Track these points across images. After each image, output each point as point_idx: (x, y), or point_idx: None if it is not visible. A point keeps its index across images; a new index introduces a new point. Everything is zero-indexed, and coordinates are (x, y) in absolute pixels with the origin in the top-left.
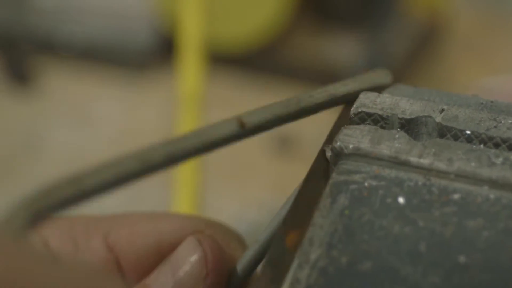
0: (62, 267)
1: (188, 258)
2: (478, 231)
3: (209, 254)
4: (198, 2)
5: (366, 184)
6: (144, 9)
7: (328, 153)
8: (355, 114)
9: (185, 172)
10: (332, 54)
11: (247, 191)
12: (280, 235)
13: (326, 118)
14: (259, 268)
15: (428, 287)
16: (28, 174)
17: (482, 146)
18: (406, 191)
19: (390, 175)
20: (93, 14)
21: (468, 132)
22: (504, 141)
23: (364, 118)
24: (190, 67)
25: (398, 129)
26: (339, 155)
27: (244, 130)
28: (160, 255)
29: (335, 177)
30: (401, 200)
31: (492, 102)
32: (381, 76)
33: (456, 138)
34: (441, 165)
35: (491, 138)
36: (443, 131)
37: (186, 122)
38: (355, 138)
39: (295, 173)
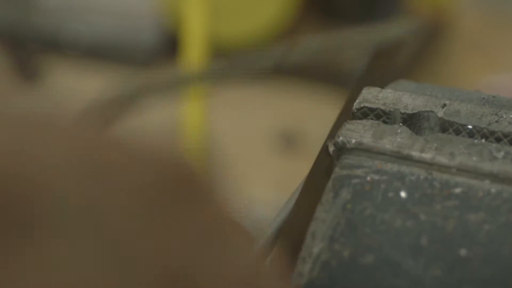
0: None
1: None
2: (479, 225)
3: None
4: (203, 0)
5: (368, 178)
6: (149, 8)
7: (331, 148)
8: (358, 109)
9: None
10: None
11: (252, 188)
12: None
13: (332, 116)
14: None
15: (430, 281)
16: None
17: (483, 140)
18: (408, 185)
19: (392, 170)
20: (99, 13)
21: (470, 126)
22: (505, 135)
23: (367, 113)
24: (194, 65)
25: (401, 124)
26: (341, 149)
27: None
28: None
29: (337, 171)
30: (403, 194)
31: (494, 97)
32: (407, 25)
33: (458, 132)
34: (443, 160)
35: (492, 133)
36: (445, 126)
37: (191, 119)
38: (358, 133)
39: (300, 171)
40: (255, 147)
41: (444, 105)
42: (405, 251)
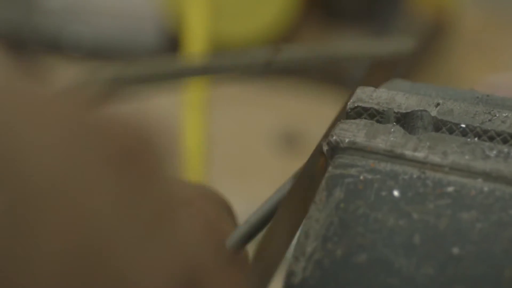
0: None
1: None
2: (472, 223)
3: None
4: (204, 1)
5: (361, 177)
6: (150, 9)
7: (325, 148)
8: (352, 109)
9: (188, 170)
10: None
11: (253, 188)
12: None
13: (333, 116)
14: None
15: (422, 279)
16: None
17: (476, 139)
18: (401, 184)
19: (385, 169)
20: (101, 15)
21: (463, 125)
22: (498, 134)
23: (361, 112)
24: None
25: (394, 123)
26: (335, 149)
27: (271, 68)
28: None
29: (331, 170)
30: (396, 193)
31: (488, 96)
32: (403, 43)
33: (451, 131)
34: (436, 158)
35: (485, 132)
36: (438, 125)
37: (192, 121)
38: (351, 132)
39: None
40: (256, 147)
41: (438, 104)
42: (397, 249)
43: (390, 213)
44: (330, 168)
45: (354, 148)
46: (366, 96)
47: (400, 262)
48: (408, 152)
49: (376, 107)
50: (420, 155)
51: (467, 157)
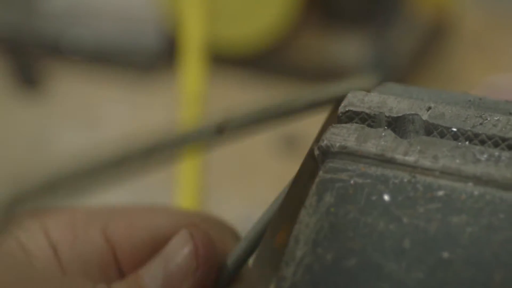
0: (35, 275)
1: (180, 251)
2: (462, 227)
3: (200, 248)
4: (202, 4)
5: (352, 182)
6: (151, 13)
7: (316, 152)
8: (343, 113)
9: (187, 173)
10: (339, 54)
11: (254, 191)
12: (269, 234)
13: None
14: (249, 263)
15: (412, 283)
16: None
17: (467, 143)
18: (391, 188)
19: (376, 173)
20: (101, 18)
21: (454, 129)
22: (489, 138)
23: (352, 116)
24: (193, 68)
25: (385, 127)
26: (326, 153)
27: (223, 135)
28: (155, 247)
29: (321, 175)
30: (386, 197)
31: (480, 99)
32: (367, 80)
33: (442, 135)
34: (426, 162)
35: (476, 135)
36: (429, 129)
37: (190, 124)
38: (342, 136)
39: None
40: (256, 149)
41: (429, 108)
42: (388, 254)
43: (381, 217)
44: (320, 173)
45: (345, 153)
46: (357, 100)
47: (390, 266)
48: (399, 156)
49: (367, 111)
50: (410, 159)
51: (457, 161)
